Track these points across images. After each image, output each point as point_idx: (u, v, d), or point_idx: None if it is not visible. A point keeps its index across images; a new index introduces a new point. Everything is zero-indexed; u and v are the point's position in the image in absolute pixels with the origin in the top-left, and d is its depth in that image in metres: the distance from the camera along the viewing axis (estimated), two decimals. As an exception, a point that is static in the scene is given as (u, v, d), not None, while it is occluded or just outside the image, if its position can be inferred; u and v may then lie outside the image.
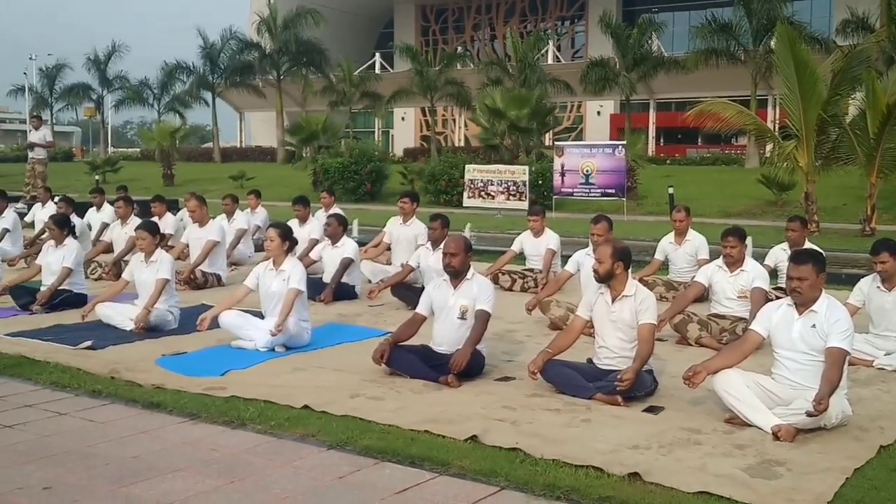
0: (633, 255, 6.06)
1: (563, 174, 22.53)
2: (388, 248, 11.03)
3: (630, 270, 5.90)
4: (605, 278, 5.76)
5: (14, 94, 58.94)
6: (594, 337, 6.02)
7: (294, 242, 7.43)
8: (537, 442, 4.65)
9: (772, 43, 25.32)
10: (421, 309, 6.41)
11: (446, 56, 41.74)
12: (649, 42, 36.77)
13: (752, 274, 7.35)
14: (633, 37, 34.89)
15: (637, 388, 5.45)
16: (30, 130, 22.97)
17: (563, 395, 5.58)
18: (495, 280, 9.68)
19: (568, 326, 6.33)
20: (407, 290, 8.97)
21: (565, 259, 9.08)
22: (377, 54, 51.54)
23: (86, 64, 52.05)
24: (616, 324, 5.73)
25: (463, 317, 6.14)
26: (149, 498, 3.96)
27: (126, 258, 10.69)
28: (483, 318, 6.08)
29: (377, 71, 48.37)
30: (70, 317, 8.17)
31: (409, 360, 6.09)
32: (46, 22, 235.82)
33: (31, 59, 65.31)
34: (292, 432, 4.91)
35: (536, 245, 10.16)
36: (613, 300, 5.76)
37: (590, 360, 5.98)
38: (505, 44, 44.34)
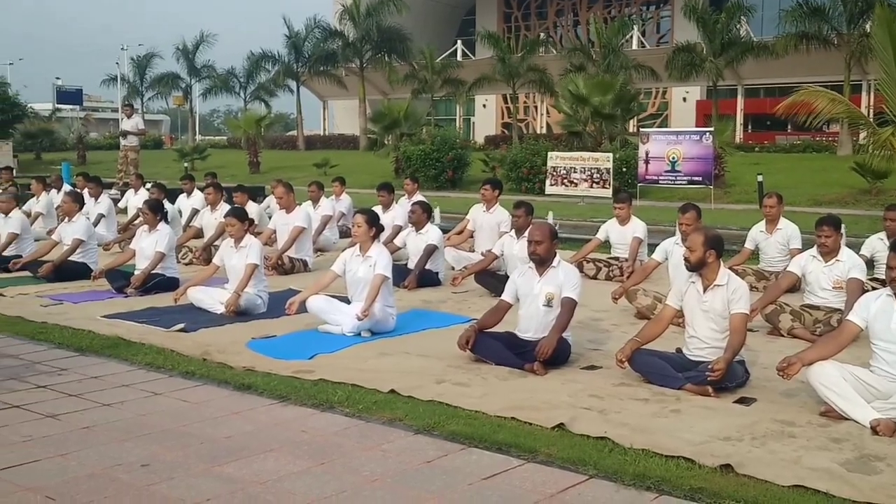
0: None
1: (647, 161, 22.18)
2: (471, 236, 11.03)
3: (721, 259, 5.78)
4: (696, 267, 5.65)
5: (107, 84, 60.82)
6: (683, 327, 5.92)
7: (381, 229, 7.50)
8: (626, 431, 4.59)
9: (867, 26, 24.42)
10: (506, 296, 6.40)
11: (529, 42, 41.42)
12: (737, 27, 35.83)
13: (848, 264, 7.13)
14: (720, 21, 34.04)
15: (728, 379, 5.34)
16: (121, 119, 23.63)
17: (652, 385, 5.50)
18: (580, 268, 9.57)
19: (657, 316, 6.24)
20: (490, 277, 8.96)
21: (652, 248, 8.96)
22: (459, 41, 51.50)
23: (175, 54, 53.39)
24: (707, 314, 5.61)
25: (548, 304, 6.10)
26: (242, 477, 4.04)
27: (216, 243, 10.95)
28: (569, 306, 6.03)
29: (459, 58, 48.33)
30: (163, 300, 8.41)
31: (494, 346, 6.09)
32: (138, 13, 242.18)
33: (122, 49, 67.21)
34: (380, 416, 4.95)
35: (622, 233, 10.03)
36: (705, 289, 5.64)
37: (679, 350, 5.88)
38: (588, 30, 43.73)
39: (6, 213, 10.92)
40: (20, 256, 10.42)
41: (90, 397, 5.30)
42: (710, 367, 5.26)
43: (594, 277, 9.92)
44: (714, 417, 4.90)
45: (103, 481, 3.98)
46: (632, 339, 5.77)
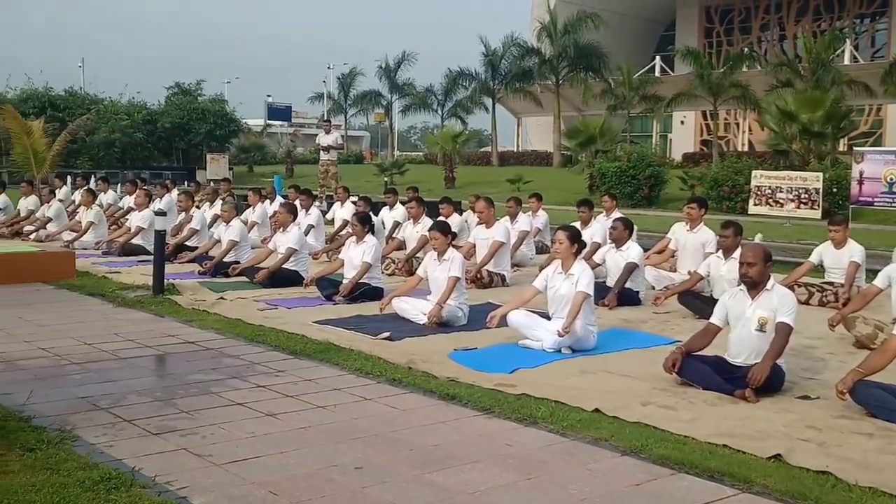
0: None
1: (861, 182, 20.93)
2: (673, 255, 10.76)
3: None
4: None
5: (313, 101, 64.04)
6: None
7: (582, 245, 7.45)
8: (849, 467, 4.32)
9: None
10: (715, 319, 6.18)
11: (732, 57, 40.02)
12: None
13: None
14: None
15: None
16: (320, 135, 24.76)
17: (876, 420, 5.15)
18: (789, 292, 9.14)
19: (882, 346, 5.83)
20: (695, 298, 8.70)
21: (870, 273, 8.42)
22: (657, 57, 50.56)
23: (377, 72, 55.49)
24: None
25: (762, 329, 5.84)
26: (451, 486, 4.10)
27: (417, 255, 11.25)
28: (784, 332, 5.75)
29: (657, 74, 47.44)
30: (369, 308, 8.71)
31: (702, 370, 5.89)
32: (344, 33, 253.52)
33: (329, 68, 70.67)
34: (584, 434, 4.90)
35: (838, 257, 9.47)
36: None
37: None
38: (796, 44, 41.87)
39: (227, 222, 11.69)
40: (238, 263, 11.10)
41: (305, 398, 5.56)
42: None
43: (806, 303, 9.39)
44: (950, 459, 4.52)
45: (319, 480, 4.16)
46: (854, 369, 5.43)
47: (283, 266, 10.37)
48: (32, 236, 15.13)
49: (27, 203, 16.71)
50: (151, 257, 10.27)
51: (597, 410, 5.31)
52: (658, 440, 4.79)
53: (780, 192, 21.66)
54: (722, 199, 23.99)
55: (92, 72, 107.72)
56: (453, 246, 8.53)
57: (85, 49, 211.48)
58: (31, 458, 4.25)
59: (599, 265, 9.86)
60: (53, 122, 32.31)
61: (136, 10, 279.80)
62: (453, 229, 12.41)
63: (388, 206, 14.46)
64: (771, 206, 21.83)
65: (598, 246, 10.79)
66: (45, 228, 15.27)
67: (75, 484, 3.93)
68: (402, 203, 14.20)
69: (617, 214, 11.93)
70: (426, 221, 11.56)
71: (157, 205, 14.53)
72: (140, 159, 47.55)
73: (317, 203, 18.52)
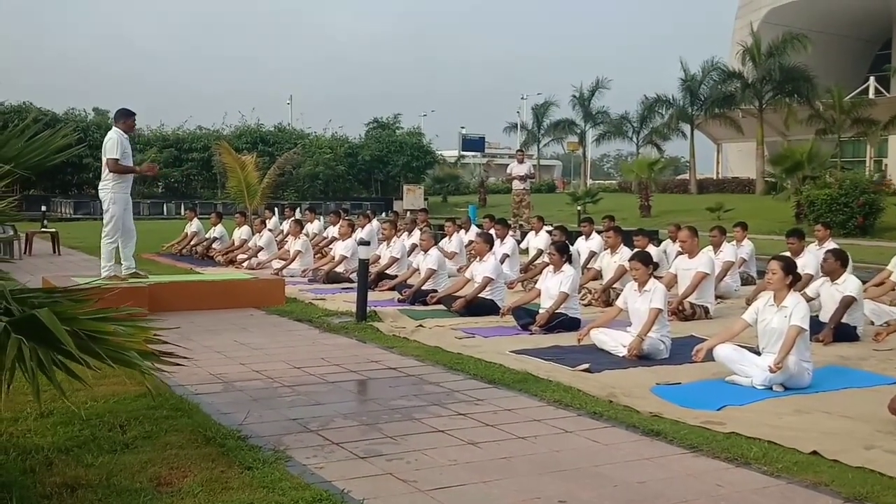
0: None
1: None
2: (894, 288, 10.02)
3: None
4: None
5: (507, 131, 64.84)
6: None
7: (798, 277, 7.05)
8: None
9: None
10: (949, 358, 5.67)
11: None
12: None
13: None
14: None
15: None
16: (512, 164, 24.96)
17: None
18: None
19: None
20: (922, 335, 8.05)
21: None
22: (871, 78, 47.65)
23: (571, 101, 55.48)
24: None
25: None
26: (660, 526, 3.95)
27: (615, 286, 11.05)
28: None
29: (871, 96, 44.68)
30: (566, 339, 8.61)
31: (934, 414, 5.41)
32: (539, 67, 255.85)
33: (522, 98, 71.33)
34: (801, 478, 4.60)
35: None
36: None
37: None
38: None
39: (425, 251, 11.95)
40: (436, 291, 11.30)
41: (506, 428, 5.53)
42: None
43: None
44: None
45: (523, 512, 4.11)
46: None
47: (480, 295, 10.45)
48: (245, 264, 16.06)
49: (240, 233, 17.76)
50: (354, 285, 10.64)
51: (814, 453, 4.97)
52: (885, 488, 4.42)
53: None
54: (947, 228, 22.19)
55: (299, 108, 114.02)
56: (654, 277, 8.30)
57: (292, 87, 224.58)
58: (249, 477, 4.45)
59: (813, 299, 9.30)
60: (264, 156, 34.31)
61: (340, 53, 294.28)
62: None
63: (583, 236, 14.31)
64: None
65: (810, 278, 10.20)
66: (257, 257, 16.17)
67: (290, 503, 4.07)
68: (598, 232, 14.02)
69: (830, 244, 11.29)
70: (624, 251, 11.34)
71: (360, 234, 15.06)
72: (341, 191, 49.73)
73: (511, 232, 18.64)
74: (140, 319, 4.46)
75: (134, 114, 10.84)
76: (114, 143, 10.46)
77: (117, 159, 10.45)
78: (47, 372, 3.68)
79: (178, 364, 4.36)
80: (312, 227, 19.26)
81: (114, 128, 10.65)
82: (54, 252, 19.07)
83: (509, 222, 23.47)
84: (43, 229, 20.52)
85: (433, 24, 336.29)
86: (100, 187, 10.71)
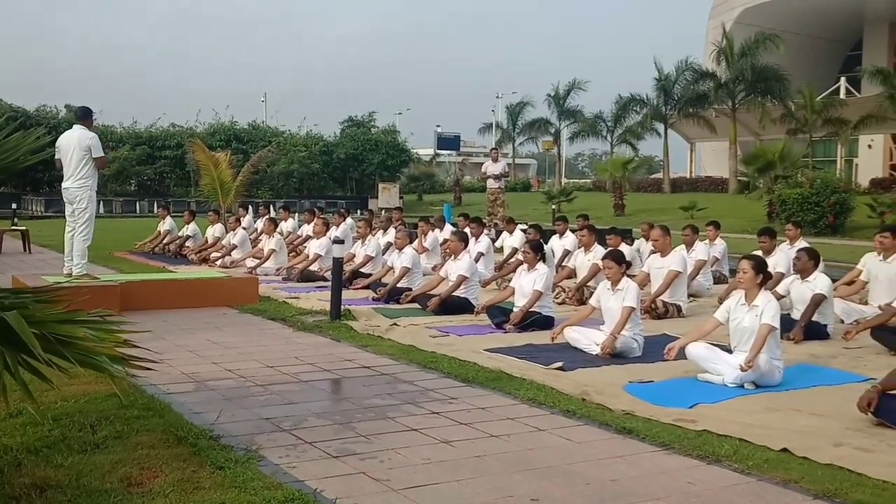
0: None
1: None
2: (864, 287, 10.12)
3: None
4: None
5: (482, 131, 64.92)
6: None
7: (767, 276, 7.11)
8: None
9: None
10: (917, 356, 5.74)
11: (926, 77, 37.58)
12: None
13: None
14: None
15: None
16: (487, 163, 25.00)
17: None
18: None
19: None
20: (891, 333, 8.13)
21: None
22: (842, 78, 48.14)
23: (546, 100, 55.68)
24: None
25: (973, 369, 5.37)
26: (631, 524, 3.97)
27: (588, 284, 11.09)
28: None
29: (842, 96, 45.14)
30: (540, 337, 8.63)
31: (902, 411, 5.47)
32: (514, 66, 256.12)
33: (497, 97, 71.43)
34: (772, 475, 4.63)
35: None
36: None
37: None
38: None
39: (400, 249, 11.93)
40: (411, 289, 11.29)
41: (479, 427, 5.54)
42: None
43: None
44: None
45: (495, 511, 4.11)
46: None
47: (454, 294, 10.46)
48: (218, 262, 15.96)
49: (214, 231, 17.66)
50: (328, 283, 10.60)
51: (785, 450, 5.02)
52: (854, 484, 4.47)
53: (983, 219, 20.04)
54: (915, 228, 22.42)
55: (273, 106, 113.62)
56: (627, 275, 8.34)
57: (267, 84, 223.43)
58: (221, 476, 4.42)
59: (784, 297, 9.38)
60: (238, 153, 34.08)
61: (314, 52, 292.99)
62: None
63: (558, 234, 14.36)
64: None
65: (781, 276, 10.29)
66: (230, 255, 16.08)
67: (262, 503, 4.05)
68: (572, 231, 14.07)
69: (801, 243, 11.41)
70: (598, 250, 11.37)
71: (334, 232, 15.01)
72: (316, 189, 49.55)
73: (486, 231, 18.66)
74: (111, 323, 4.42)
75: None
76: (98, 142, 10.69)
77: (105, 157, 10.84)
78: (14, 374, 3.64)
79: (148, 368, 4.33)
80: (287, 225, 19.17)
81: (82, 126, 10.62)
82: (25, 250, 18.85)
83: (484, 221, 23.53)
84: (13, 227, 20.27)
85: (411, 24, 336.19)
86: (75, 185, 10.63)
